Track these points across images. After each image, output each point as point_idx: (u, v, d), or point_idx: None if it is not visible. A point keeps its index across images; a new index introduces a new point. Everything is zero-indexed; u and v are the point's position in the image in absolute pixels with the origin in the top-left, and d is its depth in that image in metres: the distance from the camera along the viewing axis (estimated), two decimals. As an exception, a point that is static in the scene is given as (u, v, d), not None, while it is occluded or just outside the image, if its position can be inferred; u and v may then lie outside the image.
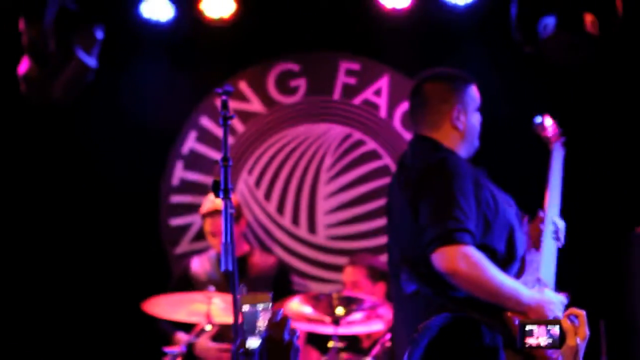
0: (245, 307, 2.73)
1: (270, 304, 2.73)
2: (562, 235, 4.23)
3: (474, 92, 4.21)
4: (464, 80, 4.22)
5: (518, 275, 3.98)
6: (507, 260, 3.94)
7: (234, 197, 5.96)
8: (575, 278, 4.62)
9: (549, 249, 4.14)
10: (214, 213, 5.80)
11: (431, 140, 4.11)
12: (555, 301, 3.93)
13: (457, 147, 4.11)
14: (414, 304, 3.96)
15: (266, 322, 2.72)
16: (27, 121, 6.69)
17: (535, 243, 4.18)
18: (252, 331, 2.72)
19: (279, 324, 2.72)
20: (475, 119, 4.20)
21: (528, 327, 2.86)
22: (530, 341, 2.86)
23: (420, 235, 3.85)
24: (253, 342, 2.72)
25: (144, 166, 6.81)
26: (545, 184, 4.36)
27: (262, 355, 2.71)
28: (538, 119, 4.64)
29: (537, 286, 3.97)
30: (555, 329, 2.84)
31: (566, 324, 2.87)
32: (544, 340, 2.84)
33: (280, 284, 5.99)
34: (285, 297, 5.44)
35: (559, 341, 2.83)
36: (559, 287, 4.06)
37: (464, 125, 4.14)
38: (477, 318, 3.76)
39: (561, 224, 4.23)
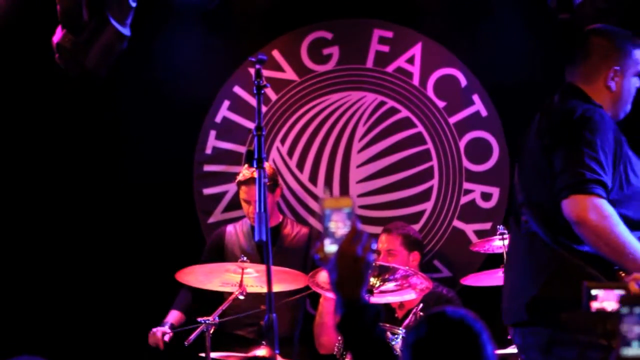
0: (327, 211, 2.71)
1: (353, 210, 2.70)
2: None
3: (638, 56, 4.12)
4: (632, 42, 4.14)
5: None
6: (635, 226, 3.90)
7: (270, 167, 6.00)
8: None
9: None
10: (249, 181, 5.83)
11: (581, 91, 4.07)
12: None
13: (606, 107, 4.05)
14: (530, 247, 3.96)
15: (346, 229, 2.70)
16: (61, 91, 6.73)
17: None
18: (331, 236, 2.71)
19: (353, 238, 2.70)
20: (632, 84, 4.13)
21: (594, 292, 2.79)
22: (595, 305, 2.79)
23: (552, 179, 3.85)
24: (331, 248, 2.71)
25: (177, 135, 6.84)
26: None
27: (333, 267, 2.71)
28: None
29: None
30: (622, 294, 2.77)
31: (634, 288, 2.80)
32: (609, 305, 2.78)
33: (310, 255, 6.01)
34: (317, 267, 5.46)
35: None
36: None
37: (618, 87, 4.08)
38: (590, 272, 3.79)
39: None
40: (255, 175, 5.70)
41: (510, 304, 4.01)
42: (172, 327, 5.78)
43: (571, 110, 3.95)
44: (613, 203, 3.83)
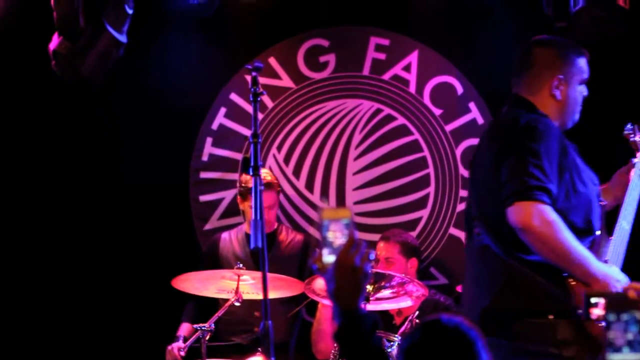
0: (326, 221, 2.72)
1: (351, 220, 2.72)
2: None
3: (581, 65, 4.18)
4: (575, 51, 4.19)
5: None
6: (581, 233, 3.94)
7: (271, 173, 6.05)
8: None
9: (621, 236, 4.14)
10: (268, 186, 5.83)
11: (527, 102, 4.11)
12: (621, 279, 3.92)
13: (552, 116, 4.09)
14: (482, 258, 4.01)
15: (344, 239, 2.71)
16: (58, 97, 6.73)
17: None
18: (329, 246, 2.72)
19: (351, 249, 2.71)
20: (578, 92, 4.17)
21: (594, 300, 2.79)
22: (596, 312, 2.78)
23: (500, 190, 3.88)
24: (329, 258, 2.72)
25: (173, 142, 6.83)
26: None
27: (331, 277, 2.71)
28: (629, 126, 4.66)
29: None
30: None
31: (633, 295, 2.80)
32: None
33: (307, 261, 6.01)
34: (312, 275, 5.46)
35: None
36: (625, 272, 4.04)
37: (563, 96, 4.12)
38: (540, 281, 3.82)
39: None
40: (269, 179, 5.79)
41: (468, 316, 4.02)
42: (185, 340, 5.76)
43: (516, 121, 3.99)
44: (560, 212, 3.85)
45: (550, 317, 3.83)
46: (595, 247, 4.04)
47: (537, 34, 6.32)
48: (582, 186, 3.98)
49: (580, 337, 3.82)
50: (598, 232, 4.04)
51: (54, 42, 5.98)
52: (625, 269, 4.09)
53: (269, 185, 5.85)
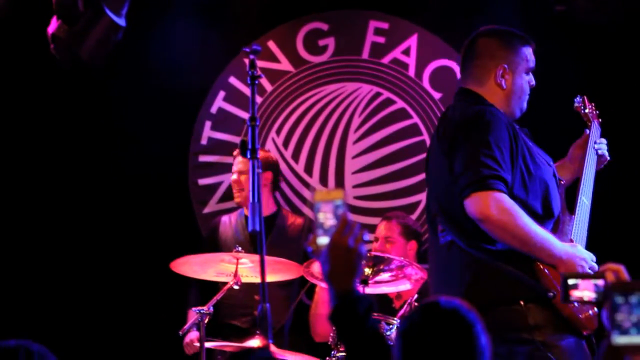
0: (318, 203, 2.72)
1: (344, 202, 2.72)
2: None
3: (527, 54, 4.17)
4: (520, 40, 4.18)
5: (552, 233, 3.99)
6: (542, 217, 3.96)
7: (266, 153, 6.02)
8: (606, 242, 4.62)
9: (583, 212, 4.16)
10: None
11: (474, 93, 4.12)
12: (586, 256, 3.94)
13: (500, 105, 4.09)
14: (448, 255, 4.01)
15: (335, 220, 2.71)
16: (56, 82, 6.73)
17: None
18: (321, 227, 2.72)
19: (344, 230, 2.70)
20: (525, 80, 4.16)
21: (572, 281, 2.79)
22: (575, 294, 2.80)
23: (454, 183, 3.88)
24: (322, 240, 2.72)
25: (172, 126, 6.83)
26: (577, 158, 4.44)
27: (325, 259, 2.71)
28: (578, 99, 4.65)
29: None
30: (599, 284, 2.78)
31: (611, 277, 2.81)
32: (587, 295, 2.78)
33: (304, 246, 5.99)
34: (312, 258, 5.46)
35: (603, 296, 2.76)
36: (590, 250, 4.06)
37: (509, 85, 4.12)
38: (507, 269, 3.84)
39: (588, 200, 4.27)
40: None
41: None
42: (198, 328, 5.74)
43: (463, 113, 4.01)
44: (517, 199, 3.86)
45: (521, 302, 3.85)
46: (560, 228, 4.05)
47: (537, 17, 6.35)
48: (536, 169, 3.98)
49: (551, 320, 3.84)
50: (557, 214, 4.05)
51: (53, 25, 5.97)
52: (590, 245, 4.11)
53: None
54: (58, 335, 6.55)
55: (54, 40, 5.99)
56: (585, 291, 2.79)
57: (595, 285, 2.78)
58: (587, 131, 4.53)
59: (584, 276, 2.82)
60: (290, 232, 6.14)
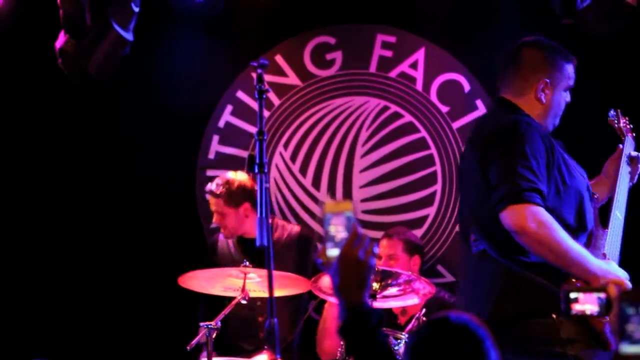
0: (328, 215, 2.71)
1: (353, 214, 2.70)
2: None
3: (568, 71, 4.16)
4: (563, 56, 4.17)
5: (585, 247, 3.97)
6: (575, 230, 3.94)
7: (237, 180, 5.90)
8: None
9: (616, 227, 4.14)
10: (211, 193, 5.79)
11: (511, 104, 4.10)
12: (620, 274, 3.91)
13: (536, 118, 4.07)
14: (480, 264, 3.99)
15: (346, 232, 2.69)
16: (64, 96, 6.73)
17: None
18: (331, 240, 2.71)
19: (354, 242, 2.69)
20: (562, 97, 4.15)
21: (573, 295, 2.77)
22: (577, 308, 2.78)
23: (490, 194, 3.86)
24: (332, 252, 2.71)
25: (180, 140, 6.83)
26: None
27: (335, 271, 2.70)
28: (612, 113, 4.66)
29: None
30: (602, 297, 2.76)
31: (613, 291, 2.79)
32: (590, 308, 2.76)
33: (302, 254, 5.91)
34: (307, 268, 5.44)
35: (605, 309, 2.74)
36: (623, 265, 4.05)
37: (548, 100, 4.10)
38: (540, 282, 3.81)
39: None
40: (215, 188, 5.68)
41: None
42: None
43: (499, 124, 3.99)
44: (551, 210, 3.84)
45: (554, 316, 3.82)
46: (593, 242, 4.03)
47: (544, 31, 6.32)
48: (572, 179, 3.97)
49: (584, 335, 3.82)
50: (590, 228, 4.03)
51: (60, 40, 5.98)
52: (622, 260, 4.09)
53: (211, 192, 5.80)
54: (65, 349, 6.56)
55: (61, 55, 6.00)
56: (586, 304, 2.78)
57: (598, 298, 2.77)
58: (621, 145, 4.51)
59: (586, 289, 2.81)
60: (286, 243, 6.03)
